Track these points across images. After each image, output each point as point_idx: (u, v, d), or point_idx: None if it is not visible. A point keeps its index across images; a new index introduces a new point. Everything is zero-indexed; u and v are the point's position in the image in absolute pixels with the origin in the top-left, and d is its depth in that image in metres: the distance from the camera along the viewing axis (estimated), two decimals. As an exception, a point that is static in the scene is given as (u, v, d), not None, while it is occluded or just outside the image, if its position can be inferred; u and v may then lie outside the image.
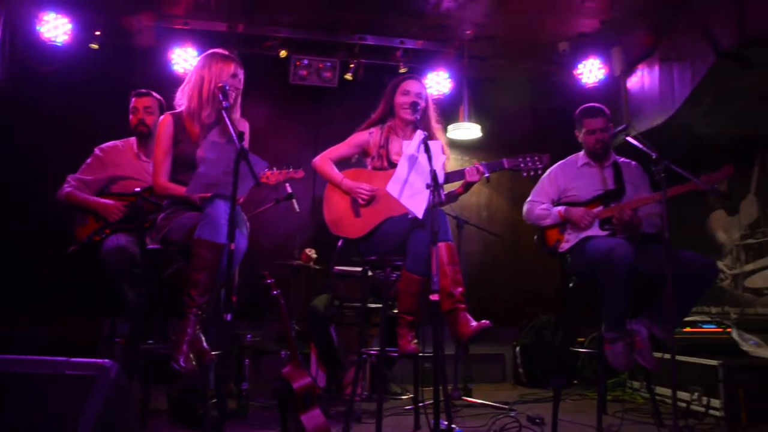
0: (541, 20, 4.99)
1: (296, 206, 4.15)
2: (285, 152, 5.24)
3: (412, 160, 2.79)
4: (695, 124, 4.87)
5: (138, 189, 3.26)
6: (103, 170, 3.72)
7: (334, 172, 3.41)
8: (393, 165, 3.32)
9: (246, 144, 2.87)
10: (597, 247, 3.27)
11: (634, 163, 3.76)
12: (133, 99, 3.79)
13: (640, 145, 3.14)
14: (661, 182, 2.97)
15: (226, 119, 2.70)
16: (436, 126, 3.43)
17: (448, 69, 5.48)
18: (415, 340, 3.08)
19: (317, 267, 4.55)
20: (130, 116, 3.78)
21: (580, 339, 5.01)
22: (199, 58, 3.12)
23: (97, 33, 5.01)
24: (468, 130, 5.56)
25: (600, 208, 3.53)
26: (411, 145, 2.83)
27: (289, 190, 4.09)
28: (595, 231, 3.47)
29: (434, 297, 2.48)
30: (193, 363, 2.56)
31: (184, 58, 5.09)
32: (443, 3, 4.77)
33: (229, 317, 2.35)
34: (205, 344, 2.66)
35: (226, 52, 3.09)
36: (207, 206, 2.70)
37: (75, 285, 4.56)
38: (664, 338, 3.22)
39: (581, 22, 4.98)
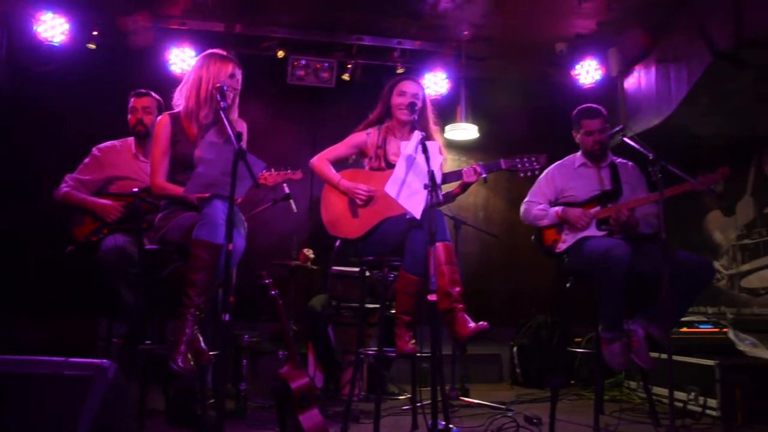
0: (539, 21, 5.00)
1: (294, 206, 4.16)
2: (282, 152, 5.25)
3: (410, 161, 2.80)
4: (692, 125, 4.88)
5: (136, 189, 3.26)
6: (101, 170, 3.72)
7: (332, 173, 3.42)
8: (390, 166, 3.33)
9: (244, 144, 2.87)
10: (594, 248, 3.28)
11: (630, 163, 3.77)
12: (132, 99, 3.79)
13: (637, 146, 3.15)
14: (657, 183, 2.98)
15: (224, 120, 2.70)
16: (433, 127, 3.43)
17: (445, 69, 5.48)
18: (413, 341, 3.09)
19: (315, 267, 4.55)
20: (129, 116, 3.78)
21: (577, 339, 5.02)
22: (197, 59, 3.12)
23: (95, 33, 5.00)
24: (465, 131, 5.57)
25: (597, 208, 3.54)
26: (409, 145, 2.84)
27: (287, 190, 4.09)
28: (592, 231, 3.48)
29: (432, 297, 2.49)
30: (191, 363, 2.56)
31: (181, 59, 5.09)
32: (441, 4, 4.78)
33: (227, 317, 2.34)
34: (203, 344, 2.66)
35: (224, 53, 3.09)
36: (205, 206, 2.71)
37: (72, 285, 4.55)
38: (660, 338, 3.23)
39: (578, 23, 4.99)
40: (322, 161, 3.46)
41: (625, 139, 3.25)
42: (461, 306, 2.95)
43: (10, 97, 4.91)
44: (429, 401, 2.65)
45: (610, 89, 5.46)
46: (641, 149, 3.12)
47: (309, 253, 4.52)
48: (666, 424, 3.22)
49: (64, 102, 5.09)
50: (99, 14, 4.97)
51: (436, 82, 5.48)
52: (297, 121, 5.68)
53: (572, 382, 4.96)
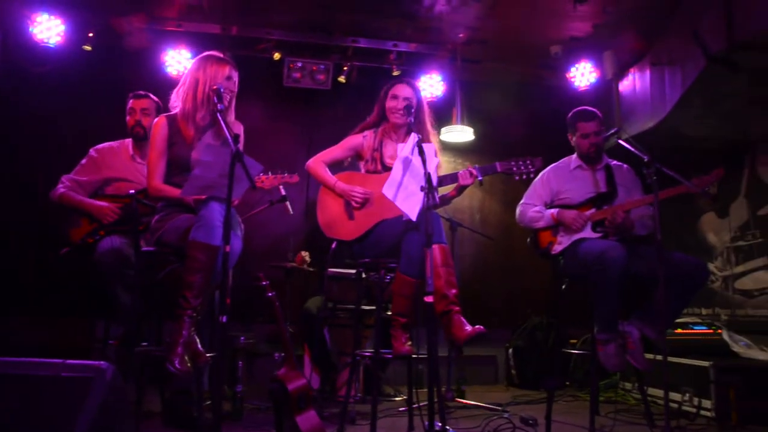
0: (534, 24, 5.01)
1: (290, 208, 4.16)
2: (278, 154, 5.25)
3: (407, 163, 2.81)
4: (686, 128, 4.91)
5: (132, 191, 3.26)
6: (98, 171, 3.72)
7: (328, 175, 3.43)
8: (387, 168, 3.35)
9: (241, 146, 2.88)
10: (590, 249, 3.30)
11: (625, 166, 3.78)
12: (131, 100, 3.78)
13: (633, 148, 3.17)
14: (652, 185, 3.00)
15: (221, 122, 2.71)
16: (429, 129, 3.44)
17: (441, 72, 5.50)
18: (409, 342, 3.10)
19: (311, 269, 4.56)
20: (127, 117, 3.78)
21: (572, 340, 5.03)
22: (193, 61, 3.12)
23: (91, 34, 4.99)
24: (461, 133, 5.58)
25: (592, 210, 3.56)
26: (405, 147, 2.85)
27: (283, 192, 4.10)
28: (587, 233, 3.49)
29: (429, 299, 2.50)
30: (188, 365, 2.56)
31: (177, 60, 5.08)
32: (436, 6, 4.79)
33: (224, 319, 2.35)
34: (199, 346, 2.67)
35: (221, 55, 3.10)
36: (202, 208, 2.71)
37: (68, 287, 4.55)
38: (655, 339, 3.25)
39: (573, 26, 5.01)
40: (318, 164, 3.47)
41: (621, 142, 3.27)
42: (457, 308, 2.97)
43: (6, 98, 4.89)
44: (425, 402, 2.65)
45: (604, 92, 5.49)
46: (636, 152, 3.14)
47: (306, 255, 4.52)
48: (661, 424, 3.23)
49: (59, 103, 5.08)
50: (94, 16, 4.95)
51: (431, 85, 5.49)
52: (293, 123, 5.68)
53: (568, 383, 4.98)
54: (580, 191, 3.66)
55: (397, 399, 4.28)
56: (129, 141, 3.80)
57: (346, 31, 5.28)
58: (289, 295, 4.29)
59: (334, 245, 3.52)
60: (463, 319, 2.94)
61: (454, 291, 2.99)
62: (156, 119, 3.09)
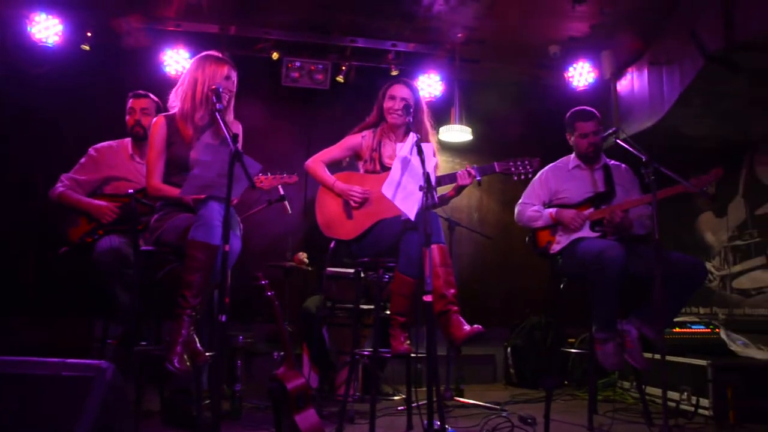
0: (532, 24, 5.02)
1: (288, 208, 4.16)
2: (277, 154, 5.25)
3: (405, 163, 2.81)
4: (684, 127, 4.92)
5: (131, 190, 3.26)
6: (97, 170, 3.72)
7: (327, 175, 3.43)
8: (385, 168, 3.35)
9: (240, 146, 2.88)
10: (588, 249, 3.30)
11: (624, 165, 3.79)
12: (131, 100, 3.78)
13: (631, 148, 3.18)
14: (650, 185, 3.01)
15: (220, 121, 2.71)
16: (428, 129, 3.45)
17: (439, 72, 5.50)
18: (408, 341, 3.10)
19: (309, 268, 4.56)
20: (127, 117, 3.78)
21: (570, 339, 5.04)
22: (192, 60, 3.12)
23: (89, 34, 4.99)
24: (459, 133, 5.59)
25: (590, 210, 3.57)
26: (404, 147, 2.85)
27: (282, 191, 4.10)
28: (585, 233, 3.50)
29: (428, 298, 2.50)
30: (188, 364, 2.57)
31: (175, 60, 5.09)
32: (434, 6, 4.79)
33: (223, 318, 2.35)
34: (199, 345, 2.67)
35: (220, 54, 3.10)
36: (201, 208, 2.71)
37: (67, 287, 4.54)
38: (654, 338, 3.25)
39: (571, 25, 5.02)
40: (317, 163, 3.47)
41: (619, 141, 3.28)
42: (456, 308, 2.97)
43: (5, 99, 4.89)
44: (424, 401, 2.66)
45: (603, 92, 5.49)
46: (634, 151, 3.15)
47: (303, 257, 4.52)
48: (659, 423, 3.24)
49: (58, 103, 5.07)
50: (93, 15, 4.95)
51: (430, 84, 5.49)
52: (291, 122, 5.68)
53: (566, 382, 4.98)
54: (579, 191, 3.67)
55: (395, 398, 4.28)
56: (128, 140, 3.80)
57: (345, 31, 5.28)
58: (287, 294, 4.30)
59: (332, 244, 3.53)
60: (462, 319, 2.94)
61: (452, 291, 3.00)
62: (155, 119, 3.09)
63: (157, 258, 3.02)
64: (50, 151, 4.79)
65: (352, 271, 4.03)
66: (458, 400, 4.20)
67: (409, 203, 2.80)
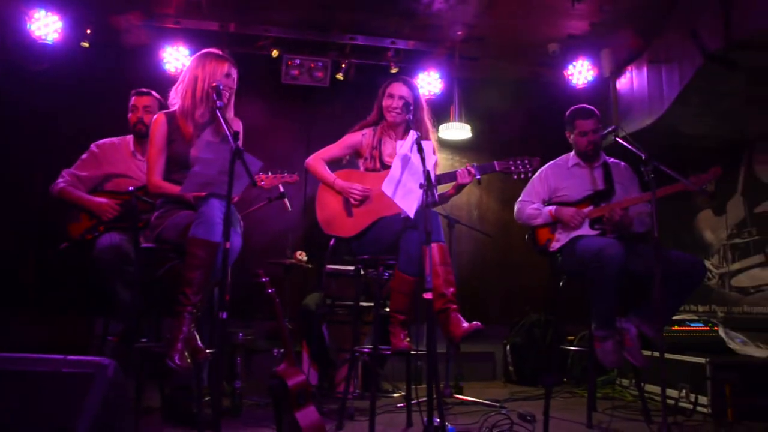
0: (532, 22, 5.02)
1: (288, 205, 4.16)
2: (277, 151, 5.26)
3: (405, 160, 2.82)
4: (683, 126, 4.93)
5: (132, 188, 3.26)
6: (99, 167, 3.71)
7: (327, 173, 3.44)
8: (385, 166, 3.36)
9: (240, 143, 2.88)
10: (587, 247, 3.31)
11: (623, 163, 3.80)
12: (133, 98, 3.78)
13: (630, 146, 3.18)
14: (650, 183, 3.01)
15: (221, 119, 2.71)
16: (428, 127, 3.45)
17: (439, 69, 5.50)
18: (408, 339, 3.11)
19: (309, 266, 4.57)
20: (129, 114, 3.77)
21: (569, 337, 5.05)
22: (192, 58, 3.11)
23: (88, 31, 4.98)
24: (459, 130, 5.59)
25: (590, 207, 3.57)
26: (404, 145, 2.85)
27: (282, 189, 4.10)
28: (585, 230, 3.51)
29: (428, 295, 2.51)
30: (188, 361, 2.57)
31: (175, 57, 5.09)
32: (434, 4, 4.79)
33: (224, 315, 2.36)
34: (199, 342, 2.67)
35: (220, 52, 3.10)
36: (202, 205, 2.71)
37: (67, 284, 4.55)
38: (653, 336, 3.26)
39: (571, 23, 5.02)
40: (317, 161, 3.48)
41: (618, 140, 3.28)
42: (455, 306, 2.98)
43: (4, 96, 4.89)
44: (424, 399, 2.66)
45: (602, 90, 5.50)
46: (634, 149, 3.15)
47: (302, 255, 4.52)
48: (658, 421, 3.25)
49: (58, 101, 5.07)
50: (92, 12, 4.95)
51: (429, 82, 5.49)
52: (291, 120, 5.69)
53: (565, 379, 5.00)
54: (578, 189, 3.67)
55: (395, 395, 4.29)
56: (130, 137, 3.80)
57: (344, 29, 5.28)
58: (287, 291, 4.30)
59: (332, 242, 3.54)
60: (460, 317, 2.95)
61: (452, 290, 3.00)
62: (155, 116, 3.08)
63: (158, 255, 3.02)
64: (50, 149, 4.79)
65: (352, 268, 4.04)
66: (458, 398, 4.20)
67: (409, 201, 2.81)
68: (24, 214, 4.82)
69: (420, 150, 2.68)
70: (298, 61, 5.31)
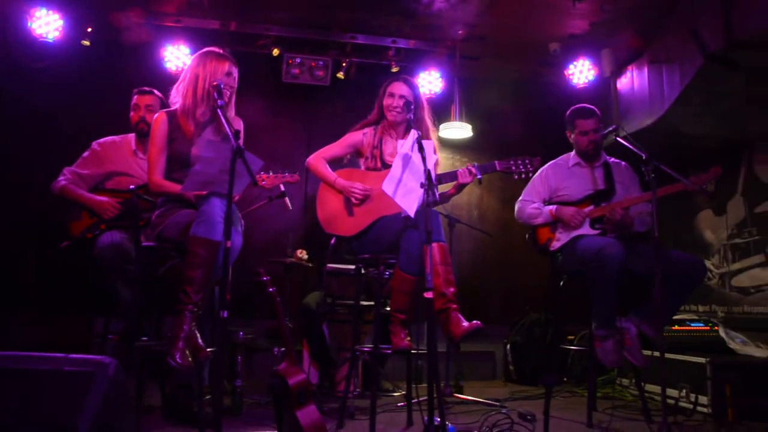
0: (532, 21, 5.02)
1: (289, 204, 4.16)
2: (278, 150, 5.26)
3: (406, 160, 2.82)
4: (684, 125, 4.93)
5: (133, 186, 3.26)
6: (100, 165, 3.71)
7: (328, 172, 3.44)
8: (386, 166, 3.36)
9: (241, 142, 2.88)
10: (588, 246, 3.31)
11: (624, 163, 3.80)
12: (136, 96, 3.78)
13: (631, 146, 3.18)
14: (650, 182, 3.01)
15: (222, 117, 2.71)
16: (429, 126, 3.45)
17: (439, 69, 5.51)
18: (408, 338, 3.11)
19: (310, 264, 4.57)
20: (131, 113, 3.77)
21: (570, 337, 5.05)
22: (193, 57, 3.11)
23: (89, 30, 4.99)
24: (459, 130, 5.59)
25: (591, 207, 3.57)
26: (405, 144, 2.86)
27: (282, 188, 4.10)
28: (585, 230, 3.51)
29: (429, 294, 2.51)
30: (189, 359, 2.58)
31: (176, 56, 5.09)
32: (435, 3, 4.79)
33: (225, 314, 2.36)
34: (200, 341, 2.68)
35: (221, 51, 3.10)
36: (203, 204, 2.71)
37: (67, 284, 4.55)
38: (653, 336, 3.27)
39: (572, 23, 5.02)
40: (318, 160, 3.48)
41: (619, 139, 3.29)
42: (455, 306, 2.98)
43: (5, 94, 4.89)
44: (424, 398, 2.67)
45: (603, 89, 5.50)
46: (634, 149, 3.15)
47: (302, 254, 4.52)
48: (658, 420, 3.25)
49: (58, 99, 5.07)
50: (93, 10, 4.95)
51: (430, 81, 5.49)
52: (292, 119, 5.69)
53: (565, 379, 5.00)
54: (579, 188, 3.67)
55: (395, 394, 4.29)
56: (132, 136, 3.80)
57: (345, 28, 5.28)
58: (288, 290, 4.30)
59: (333, 241, 3.54)
60: (460, 316, 2.95)
61: (452, 289, 3.00)
62: (156, 115, 3.08)
63: (159, 254, 3.03)
64: (50, 148, 4.78)
65: (352, 267, 4.04)
66: (458, 397, 4.21)
67: (409, 200, 2.81)
68: (24, 213, 4.83)
69: (421, 149, 2.68)
70: (298, 60, 5.32)
